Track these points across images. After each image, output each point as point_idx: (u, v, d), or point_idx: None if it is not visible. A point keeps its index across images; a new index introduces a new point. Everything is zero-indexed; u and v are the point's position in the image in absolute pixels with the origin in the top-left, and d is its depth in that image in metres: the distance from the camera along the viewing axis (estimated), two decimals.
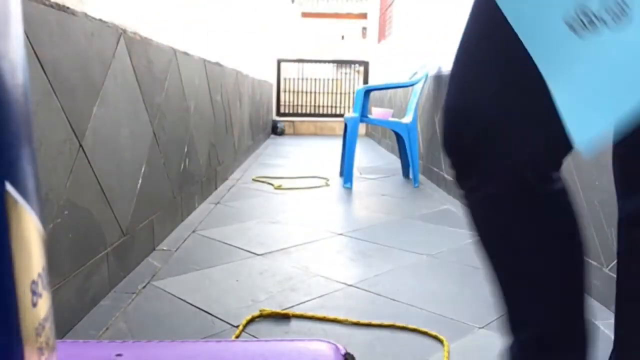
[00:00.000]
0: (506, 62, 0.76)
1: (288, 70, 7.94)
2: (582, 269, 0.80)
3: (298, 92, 7.98)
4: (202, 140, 2.56)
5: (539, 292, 0.81)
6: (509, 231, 0.82)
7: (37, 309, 0.21)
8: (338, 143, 4.44)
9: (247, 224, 2.17)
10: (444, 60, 3.22)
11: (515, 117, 0.77)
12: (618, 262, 0.74)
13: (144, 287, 1.46)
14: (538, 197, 0.79)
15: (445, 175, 3.06)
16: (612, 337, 1.24)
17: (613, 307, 1.37)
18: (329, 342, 0.46)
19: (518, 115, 0.76)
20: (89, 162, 1.27)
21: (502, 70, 0.78)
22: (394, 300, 1.41)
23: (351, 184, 3.11)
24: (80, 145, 1.23)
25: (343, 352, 0.44)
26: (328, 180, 3.33)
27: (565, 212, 0.80)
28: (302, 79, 8.01)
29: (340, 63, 8.92)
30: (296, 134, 7.42)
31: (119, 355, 0.42)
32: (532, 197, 0.80)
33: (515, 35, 0.59)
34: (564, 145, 0.69)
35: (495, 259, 0.82)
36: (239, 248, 1.83)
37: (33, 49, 1.01)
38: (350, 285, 1.51)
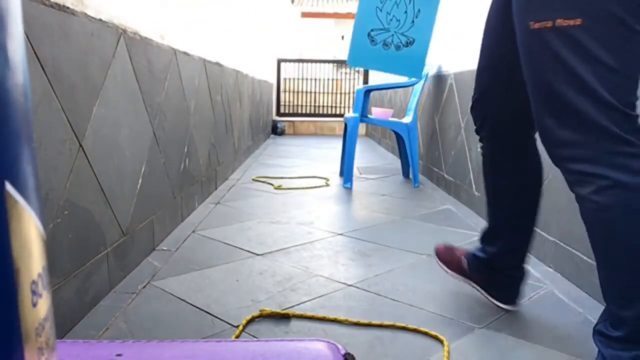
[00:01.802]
0: (496, 51, 1.19)
1: (288, 70, 7.93)
2: (535, 210, 1.27)
3: (298, 92, 7.98)
4: (202, 140, 2.56)
5: (508, 217, 1.29)
6: (491, 176, 1.29)
7: (37, 309, 0.21)
8: (338, 143, 4.43)
9: (247, 224, 2.17)
10: (444, 60, 3.22)
11: (496, 91, 1.20)
12: None
13: (144, 287, 1.46)
14: (511, 156, 1.23)
15: (445, 175, 3.06)
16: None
17: None
18: (329, 342, 0.46)
19: (497, 89, 1.19)
20: (89, 162, 1.27)
21: (494, 58, 1.20)
22: (394, 300, 1.41)
23: (351, 184, 3.11)
24: (80, 145, 1.23)
25: (343, 352, 0.44)
26: (328, 180, 3.33)
27: (530, 170, 1.24)
28: (302, 79, 8.01)
29: (340, 63, 8.91)
30: (296, 134, 7.42)
31: (119, 355, 0.42)
32: (507, 155, 1.24)
33: (502, 35, 1.13)
34: (529, 118, 1.07)
35: (486, 190, 1.32)
36: (239, 248, 1.83)
37: (33, 49, 1.01)
38: (350, 285, 1.51)
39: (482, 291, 1.39)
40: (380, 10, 2.56)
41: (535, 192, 1.27)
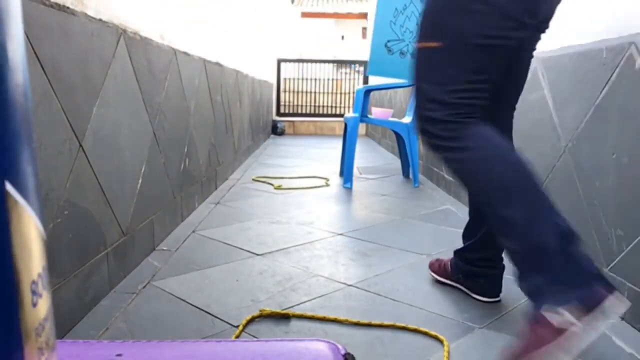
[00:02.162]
0: None
1: (288, 70, 7.93)
2: None
3: (298, 92, 7.98)
4: (202, 140, 2.56)
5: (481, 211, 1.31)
6: None
7: (37, 309, 0.21)
8: (338, 143, 4.43)
9: (247, 224, 2.17)
10: None
11: None
12: None
13: (144, 287, 1.46)
14: None
15: (445, 175, 3.06)
16: (612, 337, 1.24)
17: None
18: (329, 342, 0.46)
19: None
20: (89, 162, 1.27)
21: None
22: (394, 300, 1.41)
23: (351, 184, 3.11)
24: (80, 145, 1.23)
25: (343, 352, 0.44)
26: (328, 180, 3.33)
27: None
28: (302, 79, 8.01)
29: (340, 63, 8.91)
30: (296, 134, 7.42)
31: (119, 355, 0.42)
32: None
33: None
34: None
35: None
36: (239, 248, 1.83)
37: (33, 49, 1.01)
38: (350, 285, 1.51)
39: (464, 289, 1.47)
40: (394, 24, 2.88)
41: None
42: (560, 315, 0.90)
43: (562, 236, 0.97)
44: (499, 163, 1.09)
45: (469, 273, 1.44)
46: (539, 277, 0.97)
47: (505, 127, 1.33)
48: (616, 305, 0.90)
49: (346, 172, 3.15)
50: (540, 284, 0.96)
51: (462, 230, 1.48)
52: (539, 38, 1.26)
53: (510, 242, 1.04)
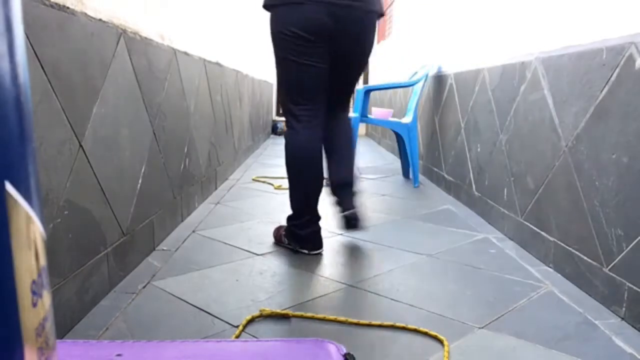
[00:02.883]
0: None
1: None
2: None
3: None
4: (202, 140, 2.56)
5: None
6: None
7: (37, 309, 0.21)
8: None
9: (247, 224, 2.17)
10: (444, 60, 3.22)
11: None
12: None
13: (144, 287, 1.46)
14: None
15: (446, 175, 3.06)
16: (612, 337, 1.25)
17: (613, 307, 1.38)
18: (329, 342, 0.46)
19: None
20: (89, 162, 1.27)
21: None
22: (394, 300, 1.41)
23: None
24: (80, 145, 1.23)
25: (343, 352, 0.44)
26: (328, 180, 3.32)
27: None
28: None
29: None
30: None
31: (119, 355, 0.42)
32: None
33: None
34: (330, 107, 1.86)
35: None
36: (239, 248, 1.83)
37: (33, 49, 1.01)
38: (350, 285, 1.51)
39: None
40: None
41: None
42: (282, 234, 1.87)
43: (302, 209, 1.81)
44: (296, 166, 1.78)
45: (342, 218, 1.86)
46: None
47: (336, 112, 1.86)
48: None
49: None
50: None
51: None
52: (352, 51, 1.73)
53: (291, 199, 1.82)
